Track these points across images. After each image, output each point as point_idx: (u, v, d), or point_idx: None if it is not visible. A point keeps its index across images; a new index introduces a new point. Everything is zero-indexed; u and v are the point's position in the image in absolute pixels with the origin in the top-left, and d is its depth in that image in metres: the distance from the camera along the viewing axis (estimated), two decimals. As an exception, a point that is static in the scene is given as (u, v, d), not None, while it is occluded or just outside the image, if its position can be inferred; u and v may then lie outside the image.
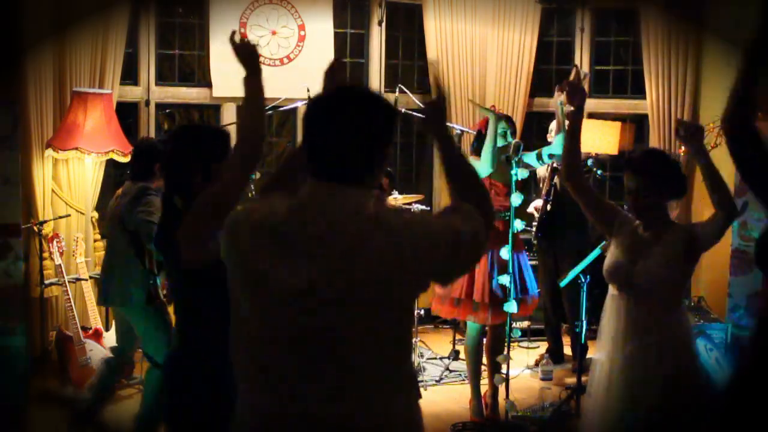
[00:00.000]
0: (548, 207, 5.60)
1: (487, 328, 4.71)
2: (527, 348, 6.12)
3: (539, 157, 4.82)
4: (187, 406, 2.58)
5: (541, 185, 5.82)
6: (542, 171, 5.71)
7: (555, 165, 5.40)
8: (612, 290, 3.15)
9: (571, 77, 3.29)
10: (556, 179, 5.55)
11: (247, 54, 2.44)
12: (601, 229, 3.29)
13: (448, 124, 2.10)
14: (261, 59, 2.50)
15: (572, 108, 3.14)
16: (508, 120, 4.80)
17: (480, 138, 4.70)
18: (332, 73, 2.32)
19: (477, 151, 4.69)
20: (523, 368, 5.64)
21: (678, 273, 3.03)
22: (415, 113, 5.41)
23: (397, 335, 1.80)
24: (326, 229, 1.72)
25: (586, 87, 3.25)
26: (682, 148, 6.26)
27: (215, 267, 2.44)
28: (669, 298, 3.04)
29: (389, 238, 1.72)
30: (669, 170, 3.07)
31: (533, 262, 5.44)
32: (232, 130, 5.94)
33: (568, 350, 5.93)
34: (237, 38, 2.47)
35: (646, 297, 3.00)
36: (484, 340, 4.74)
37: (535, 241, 5.77)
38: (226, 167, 2.47)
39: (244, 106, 2.47)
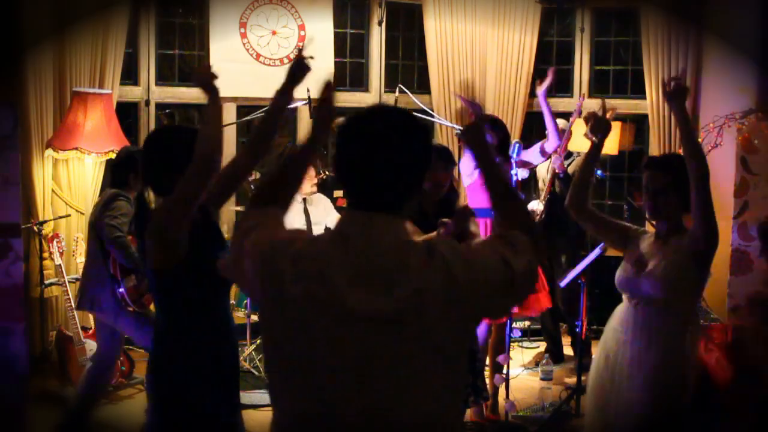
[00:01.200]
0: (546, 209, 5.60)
1: (492, 327, 4.70)
2: (527, 348, 6.13)
3: (542, 152, 4.82)
4: (173, 408, 2.59)
5: (541, 185, 5.82)
6: (544, 172, 5.70)
7: (556, 170, 5.40)
8: (624, 299, 3.12)
9: (599, 110, 3.24)
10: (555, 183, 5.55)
11: (204, 78, 2.59)
12: (615, 248, 3.25)
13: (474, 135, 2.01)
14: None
15: (593, 139, 3.11)
16: (495, 121, 4.78)
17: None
18: (320, 111, 2.11)
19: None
20: (521, 368, 5.64)
21: (685, 278, 2.96)
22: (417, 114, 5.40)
23: (447, 371, 1.69)
24: (373, 258, 1.65)
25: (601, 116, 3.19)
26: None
27: (187, 267, 2.48)
28: (678, 304, 2.98)
29: (443, 267, 1.64)
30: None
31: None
32: (232, 129, 6.06)
33: (568, 350, 5.93)
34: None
35: (655, 303, 2.97)
36: (489, 340, 4.74)
37: None
38: (187, 172, 2.51)
39: (205, 119, 2.58)
